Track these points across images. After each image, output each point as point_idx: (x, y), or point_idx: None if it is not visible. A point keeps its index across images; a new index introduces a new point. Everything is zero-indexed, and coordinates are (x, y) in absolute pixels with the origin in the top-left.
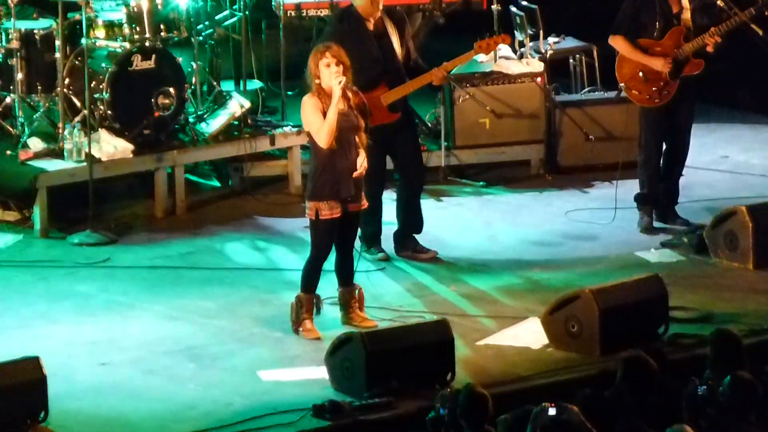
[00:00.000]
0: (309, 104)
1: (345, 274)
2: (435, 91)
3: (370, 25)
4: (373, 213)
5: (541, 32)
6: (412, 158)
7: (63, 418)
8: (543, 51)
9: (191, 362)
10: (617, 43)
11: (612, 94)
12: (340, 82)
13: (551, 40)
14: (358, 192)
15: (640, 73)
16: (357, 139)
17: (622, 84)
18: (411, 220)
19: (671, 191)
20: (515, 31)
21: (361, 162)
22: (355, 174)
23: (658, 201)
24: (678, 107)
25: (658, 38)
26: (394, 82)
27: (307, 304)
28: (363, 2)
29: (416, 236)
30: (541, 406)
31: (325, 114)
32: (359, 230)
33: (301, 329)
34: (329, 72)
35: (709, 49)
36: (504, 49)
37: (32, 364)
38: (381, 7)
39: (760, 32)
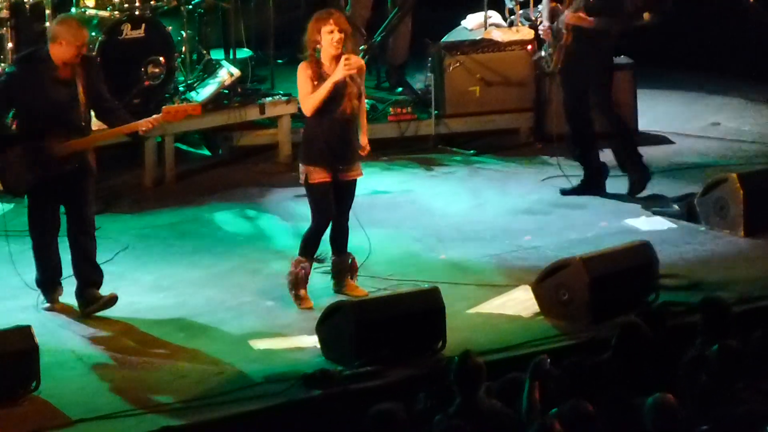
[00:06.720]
0: (303, 71)
1: (338, 242)
2: (425, 59)
3: (60, 71)
4: None
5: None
6: (81, 207)
7: (54, 388)
8: (533, 18)
9: (181, 332)
10: None
11: None
12: (348, 69)
13: (541, 7)
14: (352, 161)
15: None
16: (351, 105)
17: None
18: None
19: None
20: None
21: (364, 142)
22: (362, 152)
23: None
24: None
25: None
26: (73, 132)
27: (304, 271)
28: (66, 47)
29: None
30: (538, 358)
31: (314, 82)
32: None
33: (298, 295)
34: (331, 39)
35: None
36: (494, 17)
37: (24, 333)
38: (83, 53)
39: None
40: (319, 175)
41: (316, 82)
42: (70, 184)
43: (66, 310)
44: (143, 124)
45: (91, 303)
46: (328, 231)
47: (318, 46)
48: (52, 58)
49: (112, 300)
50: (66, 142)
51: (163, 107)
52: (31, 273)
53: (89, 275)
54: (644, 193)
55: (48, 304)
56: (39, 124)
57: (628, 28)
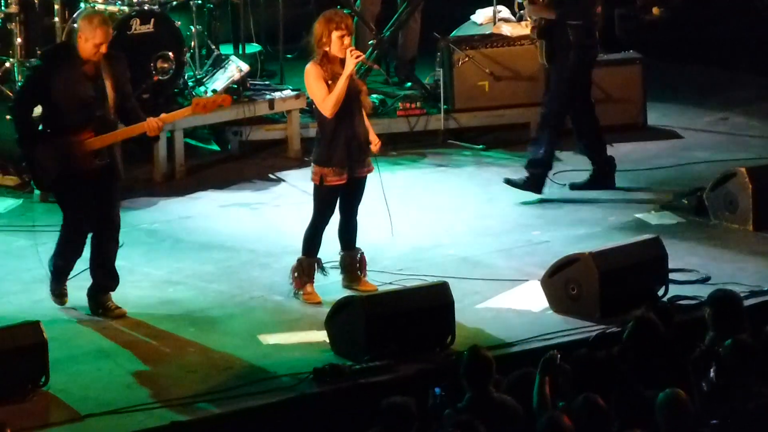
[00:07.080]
0: (312, 72)
1: (347, 238)
2: (434, 54)
3: (87, 66)
4: None
5: None
6: (108, 208)
7: (64, 382)
8: None
9: (191, 326)
10: None
11: (613, 56)
12: (357, 57)
13: None
14: (364, 157)
15: None
16: (361, 102)
17: None
18: None
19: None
20: None
21: (374, 138)
22: (374, 148)
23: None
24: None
25: None
26: (101, 128)
27: (308, 268)
28: (84, 43)
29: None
30: (549, 354)
31: (327, 82)
32: None
33: (301, 293)
34: (342, 43)
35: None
36: (503, 12)
37: (33, 328)
38: (102, 51)
39: None
40: (335, 178)
41: (330, 81)
42: (99, 182)
43: (75, 306)
44: (165, 119)
45: (99, 308)
46: (332, 229)
47: (326, 48)
48: (79, 53)
49: (120, 317)
50: (91, 137)
51: (194, 98)
52: (39, 269)
53: (103, 280)
54: (650, 190)
55: (56, 298)
56: (65, 118)
57: (596, 23)
